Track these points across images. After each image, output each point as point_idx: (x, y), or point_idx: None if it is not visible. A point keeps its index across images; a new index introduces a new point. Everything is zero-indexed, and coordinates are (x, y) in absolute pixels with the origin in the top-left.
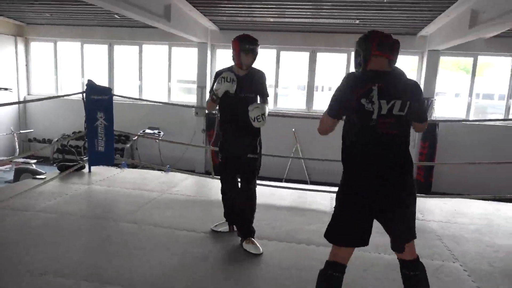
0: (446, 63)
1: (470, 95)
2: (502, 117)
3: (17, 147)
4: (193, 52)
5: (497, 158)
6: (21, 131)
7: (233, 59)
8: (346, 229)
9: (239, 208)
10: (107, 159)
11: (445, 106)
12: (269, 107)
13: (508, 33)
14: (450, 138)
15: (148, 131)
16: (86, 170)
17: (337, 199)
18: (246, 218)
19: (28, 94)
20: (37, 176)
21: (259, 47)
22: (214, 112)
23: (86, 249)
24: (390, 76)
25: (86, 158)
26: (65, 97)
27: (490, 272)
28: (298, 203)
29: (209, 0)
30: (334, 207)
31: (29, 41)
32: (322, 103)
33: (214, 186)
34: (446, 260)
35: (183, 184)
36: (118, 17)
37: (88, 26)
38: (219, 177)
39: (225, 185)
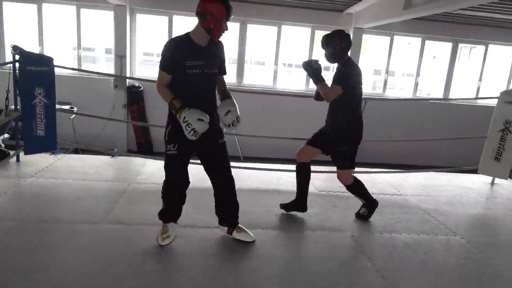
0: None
1: (387, 72)
2: (410, 92)
3: None
4: (106, 15)
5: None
6: None
7: (204, 25)
8: None
9: (226, 198)
10: (49, 144)
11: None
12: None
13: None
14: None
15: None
16: (13, 159)
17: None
18: (235, 206)
19: None
20: None
21: None
22: (137, 85)
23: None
24: None
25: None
26: None
27: (491, 243)
28: (268, 183)
29: None
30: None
31: None
32: (253, 77)
33: None
34: (448, 235)
35: (146, 171)
36: None
37: None
38: (169, 169)
39: (181, 179)
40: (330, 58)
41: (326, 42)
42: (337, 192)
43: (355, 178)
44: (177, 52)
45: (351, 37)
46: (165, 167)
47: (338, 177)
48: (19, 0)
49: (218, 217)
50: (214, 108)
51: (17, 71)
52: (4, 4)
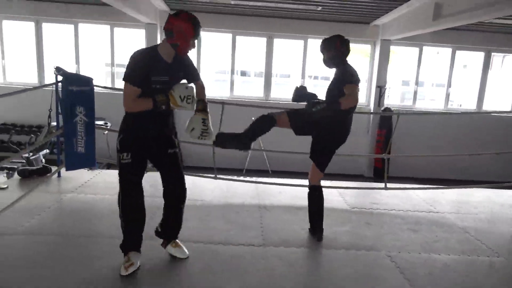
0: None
1: (416, 83)
2: (441, 103)
3: None
4: (138, 34)
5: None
6: None
7: (170, 41)
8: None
9: (169, 210)
10: (88, 161)
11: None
12: (226, 94)
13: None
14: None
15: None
16: (54, 175)
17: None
18: (177, 221)
19: None
20: None
21: None
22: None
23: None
24: None
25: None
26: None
27: None
28: (300, 199)
29: None
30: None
31: None
32: (279, 90)
33: (210, 187)
34: (490, 256)
35: None
36: None
37: None
38: (125, 178)
39: (137, 188)
40: (331, 62)
41: (327, 46)
42: (370, 209)
43: (321, 190)
44: (144, 65)
45: (379, 49)
46: (120, 177)
47: (310, 173)
48: (57, 21)
49: (158, 227)
50: (171, 115)
51: (59, 91)
52: (44, 25)
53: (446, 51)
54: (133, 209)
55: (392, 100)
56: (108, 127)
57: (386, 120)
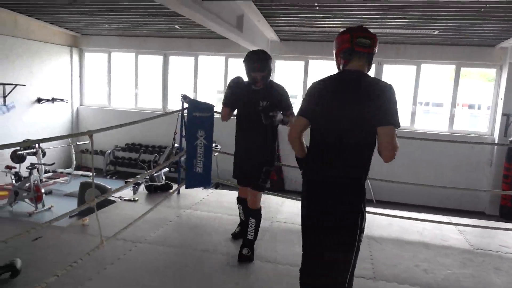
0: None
1: None
2: None
3: (73, 159)
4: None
5: None
6: (78, 143)
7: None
8: None
9: None
10: (204, 180)
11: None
12: None
13: None
14: None
15: None
16: (174, 192)
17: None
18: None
19: (81, 105)
20: (130, 198)
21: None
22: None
23: None
24: None
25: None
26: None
27: None
28: (411, 234)
29: (277, 10)
30: None
31: (83, 51)
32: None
33: None
34: None
35: (285, 210)
36: (179, 28)
37: (142, 36)
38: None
39: None
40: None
41: (265, 66)
42: (499, 252)
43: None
44: None
45: (506, 73)
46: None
47: (252, 199)
48: (180, 54)
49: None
50: None
51: (185, 116)
52: (170, 58)
53: None
54: None
55: None
56: (219, 150)
57: None
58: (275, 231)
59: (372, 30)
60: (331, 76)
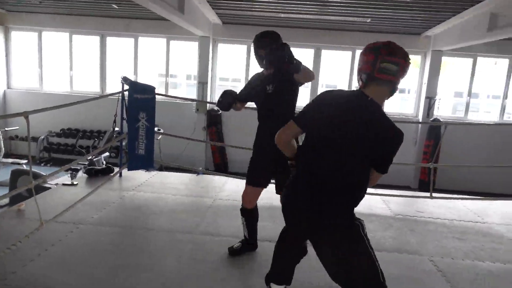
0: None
1: (469, 94)
2: (496, 116)
3: (1, 146)
4: (190, 46)
5: (491, 156)
6: (6, 129)
7: None
8: None
9: None
10: (147, 162)
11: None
12: None
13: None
14: (452, 137)
15: None
16: (116, 175)
17: None
18: None
19: (8, 88)
20: (69, 182)
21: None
22: (217, 109)
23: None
24: None
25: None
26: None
27: None
28: None
29: None
30: None
31: (9, 30)
32: None
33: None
34: None
35: (227, 188)
36: (116, 7)
37: (77, 15)
38: None
39: None
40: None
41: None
42: (415, 217)
43: (256, 207)
44: None
45: (429, 60)
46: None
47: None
48: (119, 35)
49: None
50: None
51: (125, 98)
52: (108, 39)
53: (504, 62)
54: None
55: (443, 111)
56: (162, 132)
57: (434, 131)
58: (218, 208)
59: (311, 17)
60: (346, 93)
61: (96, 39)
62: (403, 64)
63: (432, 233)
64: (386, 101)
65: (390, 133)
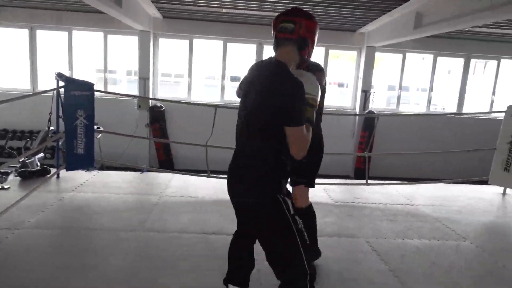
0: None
1: (400, 87)
2: (424, 107)
3: None
4: (130, 40)
5: (421, 144)
6: None
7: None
8: None
9: None
10: (87, 162)
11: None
12: (217, 99)
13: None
14: (384, 128)
15: None
16: (53, 176)
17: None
18: None
19: None
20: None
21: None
22: (159, 105)
23: (148, 274)
24: None
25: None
26: None
27: (500, 247)
28: None
29: None
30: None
31: None
32: None
33: (203, 185)
34: (458, 240)
35: (173, 185)
36: None
37: (3, 6)
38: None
39: None
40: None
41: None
42: (352, 203)
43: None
44: None
45: (364, 56)
46: (293, 252)
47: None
48: (50, 28)
49: None
50: None
51: (61, 96)
52: (38, 32)
53: (430, 57)
54: None
55: (378, 104)
56: (102, 130)
57: (370, 123)
58: (164, 205)
59: (252, 12)
60: (262, 61)
61: (25, 32)
62: (299, 21)
63: (368, 217)
64: (301, 62)
65: (286, 84)
